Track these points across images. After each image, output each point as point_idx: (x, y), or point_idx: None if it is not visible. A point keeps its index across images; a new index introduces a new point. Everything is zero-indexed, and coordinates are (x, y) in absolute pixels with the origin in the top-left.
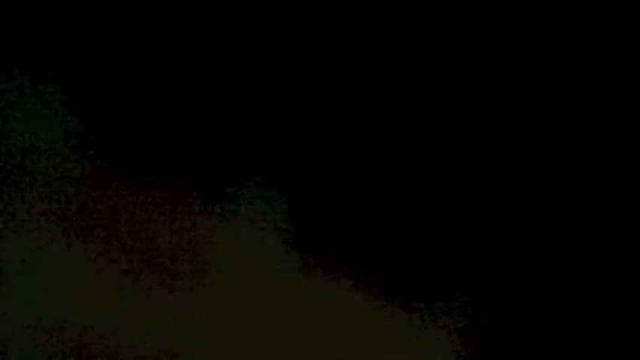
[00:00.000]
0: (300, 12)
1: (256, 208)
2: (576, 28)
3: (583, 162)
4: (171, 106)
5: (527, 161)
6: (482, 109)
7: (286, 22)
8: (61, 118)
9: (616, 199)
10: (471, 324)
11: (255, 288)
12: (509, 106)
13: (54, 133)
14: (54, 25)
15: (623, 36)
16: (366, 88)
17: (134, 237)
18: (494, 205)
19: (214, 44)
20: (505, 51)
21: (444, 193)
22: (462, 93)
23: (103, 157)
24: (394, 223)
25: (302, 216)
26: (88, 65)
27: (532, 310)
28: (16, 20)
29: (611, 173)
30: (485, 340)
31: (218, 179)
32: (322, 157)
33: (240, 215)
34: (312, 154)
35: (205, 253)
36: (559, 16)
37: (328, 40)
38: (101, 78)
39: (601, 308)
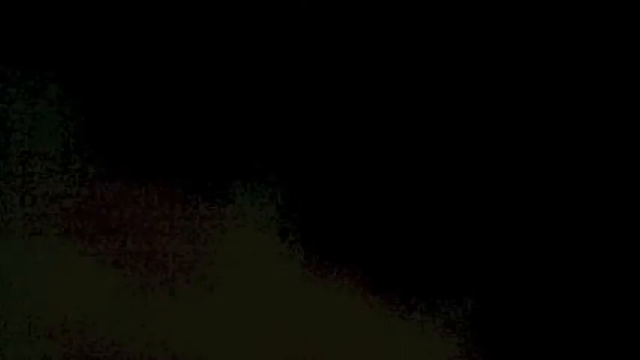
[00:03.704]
0: (300, 12)
1: (256, 208)
2: (576, 28)
3: (586, 166)
4: (172, 105)
5: (529, 163)
6: (486, 109)
7: (286, 22)
8: (61, 118)
9: (618, 204)
10: (472, 324)
11: (255, 288)
12: (512, 107)
13: (54, 133)
14: (54, 24)
15: (623, 36)
16: (367, 88)
17: (134, 237)
18: (496, 205)
19: (215, 44)
20: (505, 51)
21: (445, 193)
22: (463, 93)
23: (103, 157)
24: (396, 223)
25: (303, 216)
26: (88, 65)
27: (534, 311)
28: (16, 20)
29: (611, 175)
30: (487, 341)
31: (218, 178)
32: (324, 156)
33: (240, 215)
34: (314, 154)
35: (205, 253)
36: (559, 16)
37: (328, 40)
38: (101, 77)
39: (603, 311)
